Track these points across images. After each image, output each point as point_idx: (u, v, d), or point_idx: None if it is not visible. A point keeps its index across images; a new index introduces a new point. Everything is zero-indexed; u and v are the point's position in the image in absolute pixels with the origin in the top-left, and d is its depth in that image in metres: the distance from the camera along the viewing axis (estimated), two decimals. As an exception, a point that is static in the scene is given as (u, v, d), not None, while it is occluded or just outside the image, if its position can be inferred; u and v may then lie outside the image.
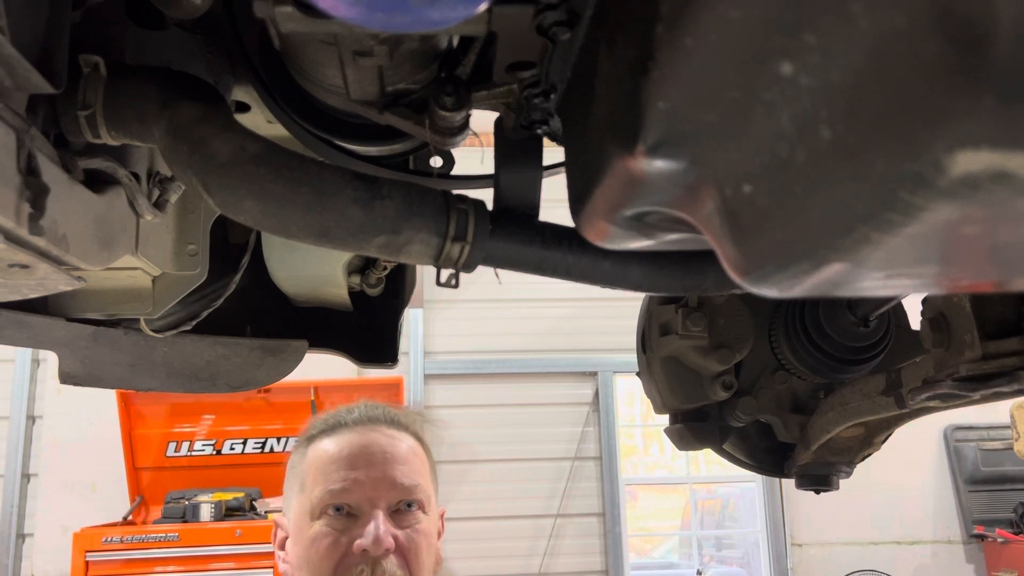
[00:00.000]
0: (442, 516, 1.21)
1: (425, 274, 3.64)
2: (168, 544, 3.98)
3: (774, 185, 0.34)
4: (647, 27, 0.40)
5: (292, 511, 1.14)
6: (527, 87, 0.64)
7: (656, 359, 1.34)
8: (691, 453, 5.39)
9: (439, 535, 1.18)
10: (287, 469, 1.19)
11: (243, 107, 0.92)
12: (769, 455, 1.48)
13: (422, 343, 5.28)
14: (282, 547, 1.16)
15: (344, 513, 1.06)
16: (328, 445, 1.13)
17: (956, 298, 0.90)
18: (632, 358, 1.45)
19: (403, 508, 1.08)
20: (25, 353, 5.00)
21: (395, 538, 1.05)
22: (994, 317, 0.87)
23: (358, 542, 1.03)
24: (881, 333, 1.23)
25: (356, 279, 1.30)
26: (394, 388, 4.60)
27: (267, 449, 4.57)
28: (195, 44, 0.83)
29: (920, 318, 0.97)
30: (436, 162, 0.93)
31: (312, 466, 1.12)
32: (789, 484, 1.52)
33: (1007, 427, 4.23)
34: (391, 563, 1.03)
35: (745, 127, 0.35)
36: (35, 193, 0.57)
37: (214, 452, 4.54)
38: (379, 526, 1.03)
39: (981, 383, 0.86)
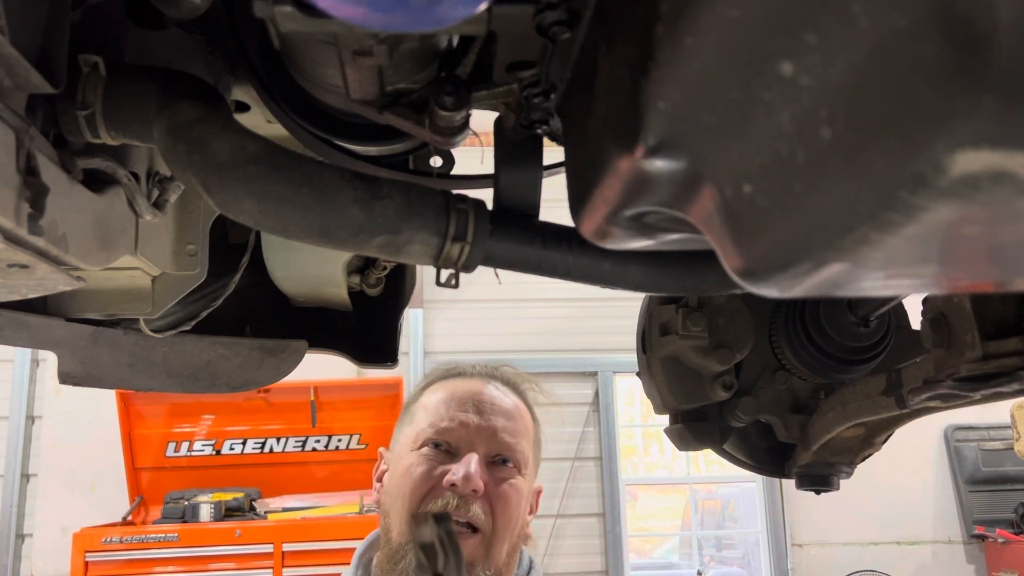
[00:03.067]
0: (538, 494, 1.24)
1: (425, 274, 3.64)
2: (168, 544, 3.98)
3: (774, 185, 0.34)
4: (647, 27, 0.40)
5: (398, 443, 1.17)
6: (527, 87, 0.64)
7: (656, 359, 1.34)
8: (691, 453, 5.39)
9: (532, 510, 1.20)
10: (403, 408, 1.24)
11: (243, 107, 0.92)
12: (769, 455, 1.48)
13: (422, 343, 5.28)
14: (379, 479, 1.20)
15: (442, 449, 1.10)
16: (443, 386, 1.18)
17: (956, 298, 0.90)
18: (632, 358, 1.45)
19: (499, 461, 1.11)
20: (24, 353, 5.01)
21: (485, 484, 1.07)
22: (994, 317, 0.87)
23: (448, 476, 1.06)
24: (881, 333, 1.23)
25: (356, 279, 1.30)
26: (394, 388, 4.60)
27: (267, 449, 4.57)
28: (195, 44, 0.83)
29: (920, 318, 0.97)
30: (436, 162, 0.93)
31: (424, 403, 1.17)
32: (789, 484, 1.52)
33: (1007, 427, 4.24)
34: (477, 506, 1.06)
35: (745, 127, 0.35)
36: (34, 193, 0.57)
37: (214, 452, 4.54)
38: (471, 465, 1.06)
39: (982, 383, 0.86)
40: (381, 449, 1.23)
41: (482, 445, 1.10)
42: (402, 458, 1.12)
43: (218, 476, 4.49)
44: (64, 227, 0.63)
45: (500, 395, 1.17)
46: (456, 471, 1.05)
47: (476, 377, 1.20)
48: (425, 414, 1.14)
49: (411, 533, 1.03)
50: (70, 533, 4.06)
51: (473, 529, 1.06)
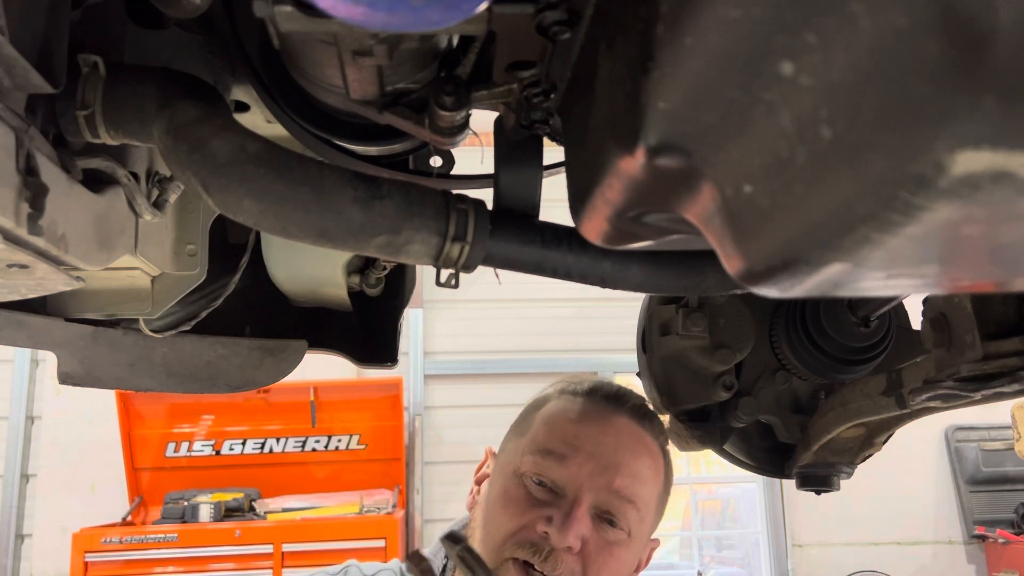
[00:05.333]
0: (653, 550, 1.10)
1: (425, 274, 3.64)
2: (167, 545, 3.98)
3: (775, 185, 0.34)
4: (647, 27, 0.40)
5: (505, 452, 1.04)
6: (527, 87, 0.64)
7: (656, 359, 1.34)
8: (691, 453, 5.38)
9: (639, 567, 1.07)
10: (525, 408, 1.09)
11: (243, 107, 0.92)
12: (770, 455, 1.48)
13: (422, 343, 5.28)
14: (479, 482, 1.08)
15: (547, 487, 0.96)
16: (570, 405, 1.03)
17: (957, 298, 0.90)
18: (632, 358, 1.45)
19: (607, 519, 0.97)
20: (24, 353, 5.01)
21: (584, 542, 0.94)
22: (995, 317, 0.87)
23: (542, 524, 0.93)
24: (882, 333, 1.23)
25: (356, 279, 1.30)
26: (394, 388, 4.61)
27: (266, 449, 4.57)
28: (195, 44, 0.83)
29: (921, 318, 0.97)
30: (436, 162, 0.93)
31: (544, 416, 1.02)
32: (789, 484, 1.51)
33: (1008, 427, 4.23)
34: (567, 564, 0.93)
35: (745, 127, 0.35)
36: (34, 193, 0.57)
37: (213, 452, 4.55)
38: (573, 517, 0.93)
39: (982, 383, 0.86)
40: (490, 448, 1.11)
41: (592, 493, 0.96)
42: (503, 475, 1.00)
43: (218, 476, 4.49)
44: (64, 227, 0.63)
45: (632, 435, 1.02)
46: (555, 520, 0.92)
47: (610, 404, 1.05)
48: (539, 434, 1.00)
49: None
50: (70, 533, 4.06)
51: None
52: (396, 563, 1.15)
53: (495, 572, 0.93)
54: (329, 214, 0.63)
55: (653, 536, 1.10)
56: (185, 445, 4.53)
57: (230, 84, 0.87)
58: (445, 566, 1.11)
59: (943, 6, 0.23)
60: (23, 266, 0.61)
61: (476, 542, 0.99)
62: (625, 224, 0.53)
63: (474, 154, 0.98)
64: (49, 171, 0.61)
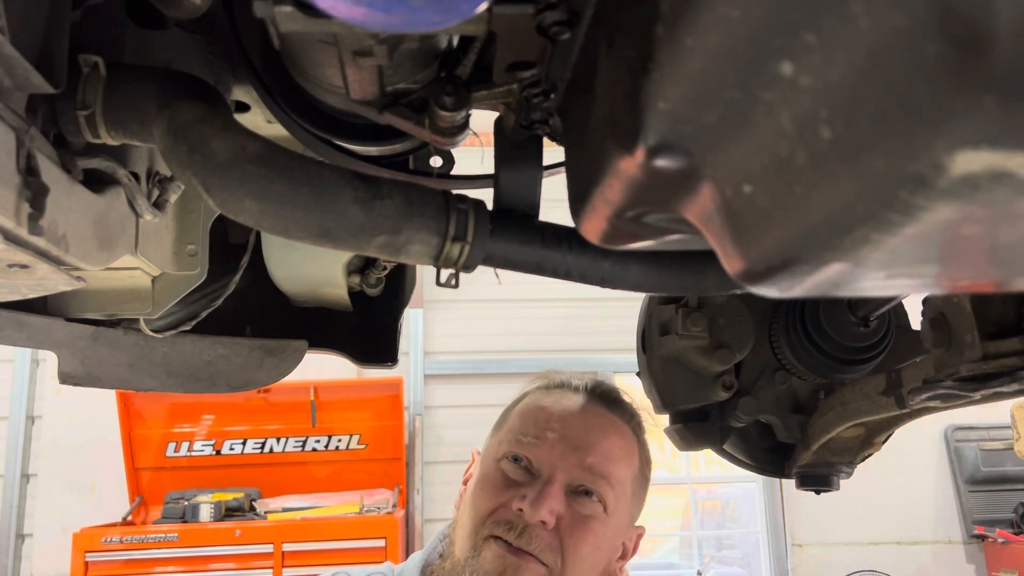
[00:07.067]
0: (639, 536, 1.12)
1: (425, 274, 3.64)
2: (167, 544, 3.98)
3: (774, 185, 0.34)
4: (647, 27, 0.40)
5: (486, 449, 1.09)
6: (527, 87, 0.64)
7: (656, 359, 1.34)
8: (691, 453, 5.38)
9: (625, 554, 1.10)
10: (503, 411, 1.15)
11: (243, 107, 0.92)
12: (769, 455, 1.48)
13: (422, 343, 5.28)
14: (465, 482, 1.12)
15: (522, 465, 1.00)
16: (541, 396, 1.08)
17: (956, 298, 0.90)
18: (632, 358, 1.45)
19: (581, 492, 1.00)
20: (24, 353, 5.01)
21: (559, 518, 0.97)
22: (994, 317, 0.87)
23: (516, 502, 0.96)
24: (881, 333, 1.23)
25: (356, 279, 1.30)
26: (394, 388, 4.61)
27: (267, 449, 4.57)
28: (195, 44, 0.83)
29: (920, 318, 0.97)
30: (436, 162, 0.93)
31: (518, 410, 1.08)
32: (789, 484, 1.52)
33: (1008, 427, 4.23)
34: (543, 539, 0.95)
35: (745, 127, 0.35)
36: (35, 193, 0.57)
37: (214, 452, 4.55)
38: (546, 493, 0.96)
39: (981, 383, 0.86)
40: (476, 450, 1.15)
41: (565, 471, 0.98)
42: (482, 467, 1.05)
43: (218, 476, 4.49)
44: (64, 227, 0.63)
45: (601, 417, 1.06)
46: (527, 495, 0.95)
47: (580, 393, 1.09)
48: (514, 423, 1.05)
49: (472, 552, 0.96)
50: (70, 533, 4.06)
51: (541, 562, 0.95)
52: (388, 565, 1.17)
53: (475, 552, 0.96)
54: (330, 214, 0.63)
55: (637, 524, 1.13)
56: (185, 445, 4.53)
57: (230, 84, 0.87)
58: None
59: (943, 7, 0.23)
60: (24, 266, 0.61)
61: (459, 530, 1.02)
62: (625, 224, 0.53)
63: (474, 154, 0.98)
64: (49, 171, 0.61)
